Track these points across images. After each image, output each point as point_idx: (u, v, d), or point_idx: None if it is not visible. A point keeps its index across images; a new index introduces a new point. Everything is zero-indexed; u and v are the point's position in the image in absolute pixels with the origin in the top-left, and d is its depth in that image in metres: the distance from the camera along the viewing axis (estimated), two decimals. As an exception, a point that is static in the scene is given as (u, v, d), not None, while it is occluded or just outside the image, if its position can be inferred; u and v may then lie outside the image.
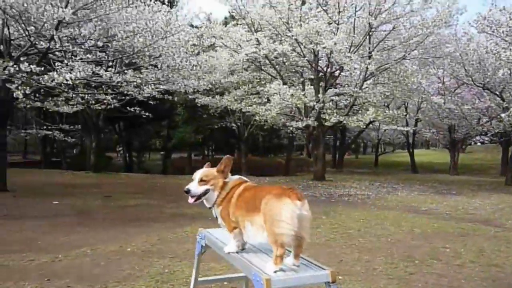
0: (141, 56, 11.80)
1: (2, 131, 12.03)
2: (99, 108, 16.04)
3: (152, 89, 13.22)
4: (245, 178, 3.02)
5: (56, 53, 11.57)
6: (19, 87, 9.35)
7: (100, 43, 10.21)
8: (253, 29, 16.46)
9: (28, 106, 14.82)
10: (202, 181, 2.91)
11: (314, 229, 8.51)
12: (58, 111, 15.99)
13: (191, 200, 2.91)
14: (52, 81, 9.33)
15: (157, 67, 12.62)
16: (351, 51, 15.67)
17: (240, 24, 16.93)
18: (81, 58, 11.25)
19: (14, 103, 12.75)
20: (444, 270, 5.93)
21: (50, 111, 19.34)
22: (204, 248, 3.35)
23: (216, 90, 20.08)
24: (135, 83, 11.40)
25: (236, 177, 3.01)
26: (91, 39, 10.22)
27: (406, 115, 24.62)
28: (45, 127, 23.13)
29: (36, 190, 13.48)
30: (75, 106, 14.34)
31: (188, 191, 2.89)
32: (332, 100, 20.46)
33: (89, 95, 14.37)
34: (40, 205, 10.95)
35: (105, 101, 15.61)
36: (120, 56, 11.94)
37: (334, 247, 7.23)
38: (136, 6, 10.69)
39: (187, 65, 12.86)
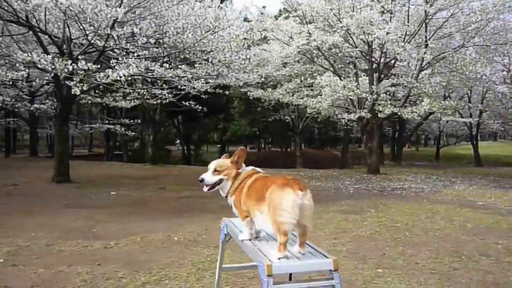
0: (192, 52, 12.12)
1: (64, 126, 12.80)
2: (155, 102, 16.60)
3: (203, 83, 13.54)
4: (258, 169, 3.12)
5: (115, 50, 12.07)
6: (77, 84, 9.93)
7: (152, 40, 10.61)
8: (305, 21, 16.35)
9: (89, 102, 15.64)
10: (216, 171, 3.05)
11: (360, 222, 8.44)
12: (118, 106, 16.71)
13: (205, 189, 3.07)
14: (107, 78, 9.84)
15: (209, 62, 12.88)
16: (405, 40, 15.20)
17: (293, 17, 16.87)
18: (138, 55, 11.75)
19: (76, 99, 13.50)
20: (492, 266, 5.70)
21: (112, 106, 20.34)
22: (228, 236, 3.45)
23: (269, 83, 20.21)
24: (185, 78, 11.71)
25: (249, 168, 3.11)
26: (145, 37, 10.63)
27: (465, 106, 23.49)
28: (107, 121, 24.27)
29: (97, 181, 14.21)
30: (132, 101, 14.93)
31: (202, 180, 3.06)
32: (388, 91, 19.99)
33: (145, 90, 14.93)
34: (99, 196, 11.56)
35: (160, 95, 16.13)
36: (172, 52, 12.31)
37: (378, 240, 7.13)
38: (186, 3, 10.95)
39: (238, 59, 13.02)
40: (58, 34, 11.86)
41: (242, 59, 12.72)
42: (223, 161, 3.10)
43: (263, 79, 18.48)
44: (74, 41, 12.30)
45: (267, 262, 2.39)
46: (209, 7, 11.44)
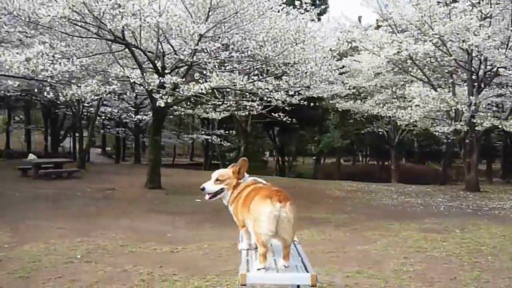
0: (274, 64, 12.32)
1: (156, 136, 13.67)
2: (243, 114, 17.08)
3: (290, 95, 13.66)
4: (260, 180, 3.11)
5: (205, 63, 12.66)
6: (163, 97, 10.60)
7: (234, 54, 11.00)
8: (396, 30, 15.81)
9: (183, 113, 16.57)
10: (217, 180, 3.12)
11: (438, 242, 7.89)
12: (209, 117, 17.47)
13: (207, 197, 3.17)
14: (189, 91, 10.38)
15: (293, 74, 12.98)
16: (508, 47, 14.00)
17: (384, 26, 16.40)
18: (229, 68, 12.25)
19: (168, 110, 14.35)
20: None
21: (211, 118, 21.26)
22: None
23: (361, 94, 19.79)
24: (267, 90, 11.92)
25: (250, 178, 3.11)
26: (235, 51, 11.06)
27: None
28: (203, 132, 25.43)
29: (186, 189, 14.89)
30: (222, 112, 15.51)
31: (203, 189, 3.16)
32: (492, 102, 18.51)
33: (233, 102, 15.44)
34: (184, 202, 12.13)
35: (249, 107, 16.56)
36: (256, 65, 12.62)
37: (453, 263, 6.61)
38: (270, 16, 11.17)
39: (324, 71, 12.95)
40: (152, 50, 12.72)
41: (330, 70, 12.63)
42: (225, 171, 3.15)
43: (353, 90, 18.17)
44: (167, 56, 13.07)
45: (242, 272, 2.40)
46: (294, 19, 11.51)
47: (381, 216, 10.70)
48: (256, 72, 14.56)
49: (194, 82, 10.61)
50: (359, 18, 30.57)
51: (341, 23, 17.95)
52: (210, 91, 10.99)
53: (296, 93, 15.25)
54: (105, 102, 22.68)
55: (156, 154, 13.93)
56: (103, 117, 24.88)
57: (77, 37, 11.05)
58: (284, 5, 11.53)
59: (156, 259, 6.35)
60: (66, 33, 10.65)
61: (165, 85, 10.65)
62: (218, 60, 11.70)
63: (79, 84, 10.19)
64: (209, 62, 11.31)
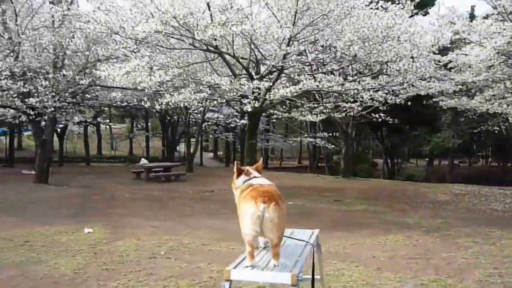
0: (367, 63, 12.01)
1: (252, 139, 14.06)
2: (341, 116, 16.84)
3: (392, 94, 13.25)
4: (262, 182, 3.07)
5: (291, 67, 12.80)
6: (250, 102, 10.92)
7: (321, 56, 10.97)
8: (508, 18, 14.40)
9: (280, 116, 16.83)
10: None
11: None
12: (308, 120, 17.47)
13: None
14: (275, 95, 10.56)
15: (386, 73, 12.53)
16: None
17: (492, 14, 15.03)
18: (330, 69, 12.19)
19: (263, 114, 14.67)
20: None
21: (313, 121, 21.31)
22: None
23: (470, 90, 18.31)
24: (356, 90, 11.63)
25: (253, 179, 3.10)
26: (312, 53, 11.07)
27: None
28: (306, 135, 25.51)
29: (281, 191, 15.00)
30: (319, 115, 15.45)
31: None
32: None
33: (329, 104, 15.32)
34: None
35: (346, 108, 16.31)
36: (344, 64, 12.43)
37: None
38: (356, 15, 10.95)
39: (418, 67, 12.33)
40: (245, 56, 13.15)
41: (424, 66, 11.96)
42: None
43: (460, 86, 16.90)
44: (261, 62, 13.41)
45: (228, 268, 2.51)
46: (381, 17, 11.13)
47: (482, 222, 9.86)
48: (352, 72, 14.35)
49: (281, 86, 10.77)
50: (472, 8, 28.47)
51: (446, 14, 16.78)
52: (300, 94, 11.03)
53: (392, 92, 14.62)
54: (212, 108, 23.89)
55: (252, 157, 14.32)
56: (210, 123, 26.18)
57: (172, 49, 11.85)
58: (373, 2, 11.16)
59: (230, 258, 6.55)
60: (162, 46, 11.51)
61: (253, 90, 10.97)
62: (307, 63, 11.74)
63: (171, 93, 10.94)
64: (298, 65, 11.37)
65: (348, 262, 6.41)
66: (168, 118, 28.23)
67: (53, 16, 12.98)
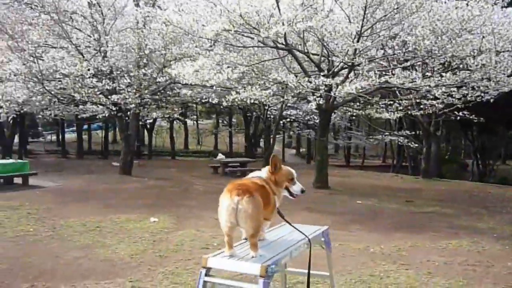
0: (435, 58, 11.44)
1: (323, 137, 13.98)
2: (420, 114, 16.14)
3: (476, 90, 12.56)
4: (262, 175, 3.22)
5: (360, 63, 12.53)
6: (316, 99, 10.85)
7: (389, 51, 10.59)
8: None
9: (354, 114, 16.51)
10: None
11: None
12: (384, 117, 16.97)
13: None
14: (339, 92, 10.40)
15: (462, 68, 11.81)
16: None
17: None
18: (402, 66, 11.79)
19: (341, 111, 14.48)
20: None
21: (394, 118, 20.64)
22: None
23: None
24: (428, 87, 11.04)
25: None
26: (384, 49, 10.73)
27: None
28: (387, 133, 24.69)
29: (354, 191, 14.84)
30: (395, 112, 14.94)
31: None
32: None
33: (405, 100, 14.75)
34: (344, 203, 12.16)
35: (425, 106, 15.64)
36: (419, 60, 11.87)
37: None
38: (428, 8, 10.44)
39: (506, 61, 11.49)
40: (317, 53, 13.09)
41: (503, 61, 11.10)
42: None
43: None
44: (330, 58, 13.27)
45: (205, 256, 2.68)
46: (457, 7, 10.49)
47: None
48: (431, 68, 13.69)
49: (346, 83, 10.59)
50: None
51: None
52: (374, 90, 10.75)
53: (474, 88, 13.70)
54: (290, 105, 23.95)
55: (323, 155, 14.25)
56: (289, 120, 26.26)
57: (241, 47, 12.12)
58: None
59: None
60: (231, 45, 11.81)
61: (319, 87, 10.91)
62: (377, 59, 11.42)
63: (237, 90, 11.22)
64: (366, 62, 11.12)
65: (398, 264, 6.23)
66: (249, 114, 28.77)
67: (136, 18, 13.89)
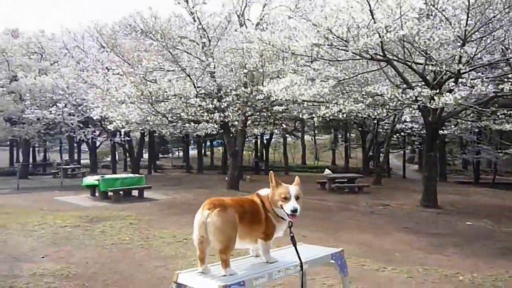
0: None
1: (430, 152, 13.03)
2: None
3: None
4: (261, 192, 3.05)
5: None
6: (412, 111, 10.15)
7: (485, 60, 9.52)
8: None
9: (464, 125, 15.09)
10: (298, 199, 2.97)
11: None
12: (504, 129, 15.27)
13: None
14: (436, 103, 9.57)
15: None
16: None
17: None
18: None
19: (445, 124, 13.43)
20: None
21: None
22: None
23: None
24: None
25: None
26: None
27: None
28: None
29: (466, 210, 13.55)
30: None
31: (295, 211, 2.92)
32: None
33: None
34: (449, 224, 11.17)
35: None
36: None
37: None
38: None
39: None
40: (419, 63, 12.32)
41: None
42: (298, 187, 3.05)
43: None
44: (435, 67, 12.42)
45: (177, 272, 2.71)
46: None
47: None
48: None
49: (446, 93, 9.72)
50: None
51: None
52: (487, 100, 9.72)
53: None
54: (405, 119, 22.80)
55: (430, 171, 13.26)
56: (402, 134, 24.99)
57: (333, 61, 11.83)
58: None
59: (352, 274, 6.35)
60: (323, 59, 11.58)
61: (417, 99, 10.19)
62: (482, 66, 10.37)
63: (327, 105, 10.95)
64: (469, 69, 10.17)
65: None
66: (360, 129, 28.02)
67: (238, 38, 14.46)
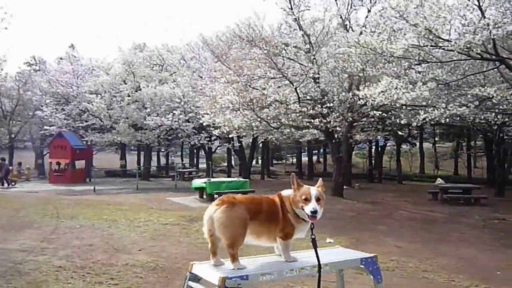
0: None
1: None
2: None
3: None
4: (283, 193, 3.05)
5: None
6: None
7: None
8: None
9: None
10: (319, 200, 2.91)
11: None
12: None
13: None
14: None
15: None
16: None
17: None
18: None
19: None
20: None
21: None
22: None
23: None
24: None
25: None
26: None
27: None
28: None
29: None
30: None
31: (315, 212, 2.85)
32: None
33: None
34: None
35: None
36: None
37: None
38: None
39: None
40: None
41: None
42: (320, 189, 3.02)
43: None
44: None
45: (192, 262, 2.88)
46: None
47: None
48: None
49: None
50: None
51: None
52: None
53: None
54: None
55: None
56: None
57: (436, 62, 11.02)
58: None
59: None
60: (424, 61, 10.84)
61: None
62: None
63: (427, 109, 10.22)
64: None
65: None
66: (484, 135, 25.71)
67: (340, 43, 14.26)
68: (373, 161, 37.82)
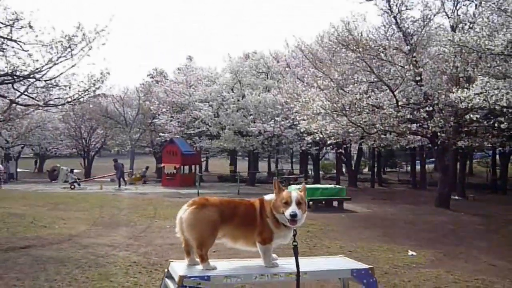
0: None
1: None
2: None
3: None
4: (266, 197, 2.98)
5: None
6: None
7: None
8: None
9: None
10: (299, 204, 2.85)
11: None
12: None
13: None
14: None
15: None
16: None
17: None
18: None
19: None
20: None
21: None
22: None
23: None
24: None
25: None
26: None
27: None
28: None
29: None
30: None
31: (295, 215, 2.78)
32: None
33: None
34: None
35: None
36: None
37: None
38: None
39: None
40: None
41: None
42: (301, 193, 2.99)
43: None
44: None
45: (170, 260, 3.08)
46: None
47: None
48: None
49: None
50: None
51: None
52: None
53: None
54: None
55: None
56: None
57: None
58: None
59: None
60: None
61: None
62: None
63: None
64: None
65: None
66: None
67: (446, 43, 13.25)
68: (497, 170, 34.29)
